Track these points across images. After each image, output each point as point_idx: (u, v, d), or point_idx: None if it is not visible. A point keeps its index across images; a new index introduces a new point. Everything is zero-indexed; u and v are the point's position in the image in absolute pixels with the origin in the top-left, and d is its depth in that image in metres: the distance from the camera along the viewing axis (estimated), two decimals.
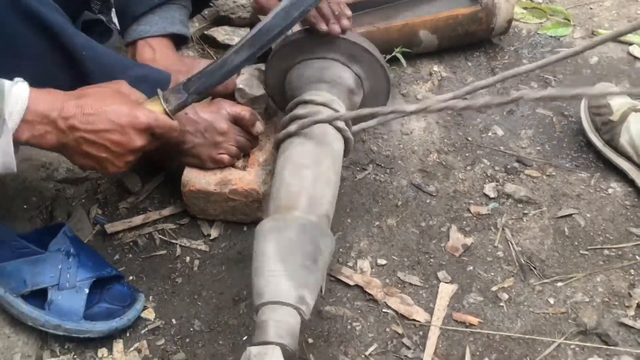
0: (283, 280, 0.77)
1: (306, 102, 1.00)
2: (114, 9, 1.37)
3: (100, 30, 1.35)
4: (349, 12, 1.00)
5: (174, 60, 1.08)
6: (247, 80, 1.09)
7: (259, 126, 1.06)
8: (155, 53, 1.07)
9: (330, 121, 0.95)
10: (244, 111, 1.04)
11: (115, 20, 1.40)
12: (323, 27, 0.96)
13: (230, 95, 1.08)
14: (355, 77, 1.05)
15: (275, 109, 1.17)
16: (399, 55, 1.31)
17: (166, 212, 1.12)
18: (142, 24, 1.08)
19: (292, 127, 0.95)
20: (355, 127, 1.04)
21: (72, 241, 0.95)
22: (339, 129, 0.97)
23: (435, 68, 1.41)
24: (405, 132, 1.27)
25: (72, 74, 0.79)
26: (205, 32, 1.47)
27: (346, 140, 0.99)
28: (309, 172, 0.90)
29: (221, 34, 1.45)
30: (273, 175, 0.95)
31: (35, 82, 0.76)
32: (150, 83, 0.92)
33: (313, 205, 0.86)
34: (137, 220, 1.10)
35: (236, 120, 1.04)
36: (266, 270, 0.79)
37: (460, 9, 1.36)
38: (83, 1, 1.22)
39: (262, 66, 1.11)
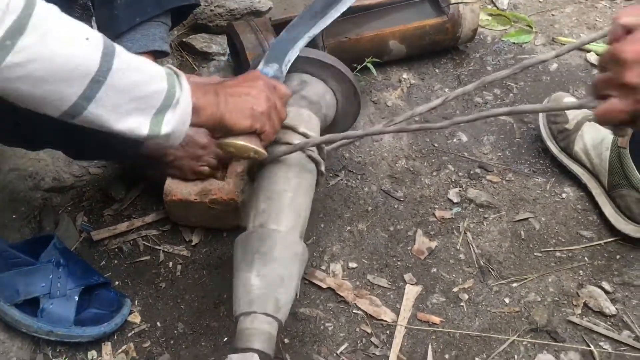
0: (261, 291, 0.84)
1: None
2: (94, 18, 1.41)
3: None
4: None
5: None
6: None
7: None
8: None
9: (304, 148, 1.00)
10: None
11: (95, 27, 1.44)
12: None
13: None
14: (331, 93, 1.11)
15: None
16: (370, 66, 1.37)
17: (149, 218, 1.18)
18: (124, 40, 1.12)
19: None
20: (329, 147, 1.11)
21: (61, 252, 1.01)
22: (311, 157, 1.03)
23: (405, 75, 1.48)
24: (375, 139, 1.34)
25: None
26: (184, 40, 1.52)
27: (317, 164, 1.05)
28: (286, 188, 0.96)
29: (199, 41, 1.50)
30: (253, 186, 1.01)
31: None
32: None
33: (288, 219, 0.93)
34: (122, 227, 1.16)
35: None
36: (245, 281, 0.86)
37: (427, 20, 1.43)
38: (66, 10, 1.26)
39: None
